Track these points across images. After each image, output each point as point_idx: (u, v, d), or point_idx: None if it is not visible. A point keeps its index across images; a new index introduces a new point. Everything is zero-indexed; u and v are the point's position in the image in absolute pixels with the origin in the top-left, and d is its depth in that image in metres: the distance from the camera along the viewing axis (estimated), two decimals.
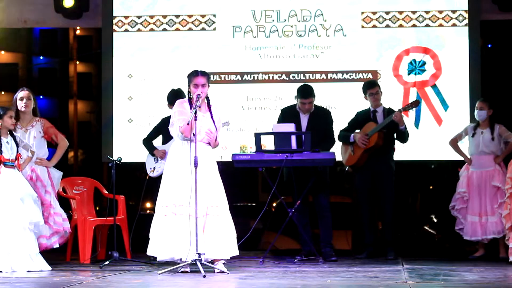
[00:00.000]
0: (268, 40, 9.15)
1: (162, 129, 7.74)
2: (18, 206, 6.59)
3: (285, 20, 9.14)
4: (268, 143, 7.68)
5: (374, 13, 9.07)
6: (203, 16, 9.22)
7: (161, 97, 8.52)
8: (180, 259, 6.23)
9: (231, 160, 7.44)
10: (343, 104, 8.93)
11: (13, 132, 6.90)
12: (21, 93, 7.46)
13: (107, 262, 7.04)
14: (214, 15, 9.20)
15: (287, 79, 9.09)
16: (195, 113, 6.22)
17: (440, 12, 9.01)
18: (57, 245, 7.43)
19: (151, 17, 9.25)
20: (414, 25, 9.03)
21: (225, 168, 7.49)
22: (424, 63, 8.98)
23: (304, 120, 7.78)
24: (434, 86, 8.97)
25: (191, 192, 6.17)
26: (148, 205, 16.77)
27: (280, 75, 9.12)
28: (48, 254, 7.15)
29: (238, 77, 9.15)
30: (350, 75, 9.04)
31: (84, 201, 8.05)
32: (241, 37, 9.17)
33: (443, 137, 8.77)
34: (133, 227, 7.84)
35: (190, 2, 9.23)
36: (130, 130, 9.13)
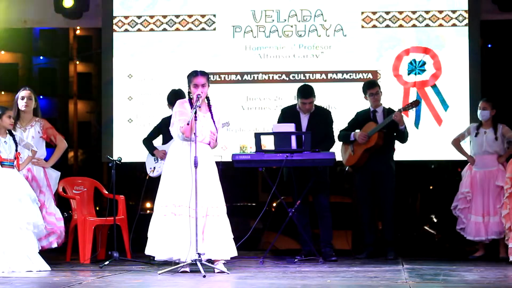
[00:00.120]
0: (268, 40, 9.15)
1: (163, 129, 7.74)
2: (15, 206, 6.57)
3: (285, 20, 9.14)
4: (268, 143, 7.68)
5: (374, 13, 9.07)
6: (203, 16, 9.22)
7: (161, 97, 8.52)
8: (179, 259, 6.22)
9: (231, 160, 7.44)
10: (343, 104, 8.93)
11: (13, 132, 6.89)
12: (23, 92, 7.48)
13: (107, 262, 7.04)
14: (214, 15, 9.20)
15: (287, 79, 9.09)
16: (195, 113, 6.23)
17: (440, 12, 9.01)
18: (55, 245, 7.43)
19: (151, 17, 9.25)
20: (414, 25, 9.03)
21: (225, 168, 7.49)
22: (424, 63, 8.98)
23: (304, 120, 7.78)
24: (434, 86, 8.96)
25: (191, 193, 6.17)
26: (148, 205, 16.77)
27: (280, 75, 9.12)
28: (48, 254, 7.15)
29: (238, 77, 9.15)
30: (350, 75, 9.04)
31: (84, 201, 8.05)
32: (241, 37, 9.17)
33: (443, 137, 8.78)
34: (133, 227, 7.84)
35: (190, 2, 9.23)
36: (130, 130, 9.13)
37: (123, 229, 7.87)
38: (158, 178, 6.71)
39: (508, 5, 8.96)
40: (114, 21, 9.26)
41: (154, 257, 6.41)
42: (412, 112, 8.85)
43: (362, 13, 9.08)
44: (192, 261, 6.10)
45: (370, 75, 8.99)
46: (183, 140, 6.39)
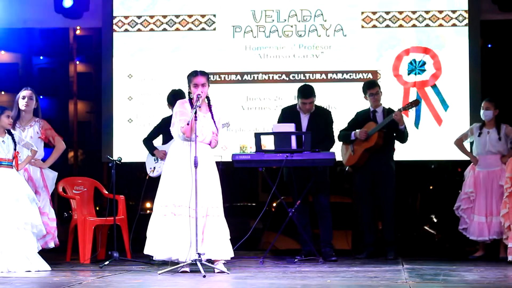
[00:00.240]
0: (268, 40, 9.15)
1: (163, 128, 7.74)
2: (12, 206, 6.55)
3: (285, 20, 9.14)
4: (268, 143, 7.68)
5: (374, 13, 9.07)
6: (203, 16, 9.22)
7: (161, 97, 8.52)
8: (177, 259, 6.22)
9: (231, 160, 7.44)
10: (343, 104, 8.93)
11: (12, 131, 6.88)
12: (24, 92, 7.50)
13: (107, 262, 7.04)
14: (214, 15, 9.21)
15: (287, 79, 9.09)
16: (195, 113, 6.23)
17: (440, 12, 9.01)
18: (52, 245, 7.42)
19: (151, 17, 9.25)
20: (414, 25, 9.03)
21: (225, 168, 7.49)
22: (424, 63, 8.98)
23: (304, 120, 7.78)
24: (434, 86, 8.97)
25: (191, 193, 6.17)
26: (148, 205, 16.74)
27: (280, 75, 9.12)
28: (48, 254, 7.15)
29: (238, 77, 9.15)
30: (350, 75, 9.05)
31: (84, 201, 8.05)
32: (241, 37, 9.18)
33: (443, 137, 8.78)
34: (133, 227, 7.84)
35: (190, 2, 9.23)
36: (130, 130, 9.14)
37: (123, 229, 7.87)
38: (158, 178, 6.71)
39: (508, 5, 8.96)
40: (114, 21, 9.27)
41: (153, 256, 6.41)
42: (412, 112, 8.85)
43: (362, 13, 9.08)
44: (192, 261, 6.10)
45: (370, 75, 8.99)
46: (184, 140, 6.39)
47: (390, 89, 8.81)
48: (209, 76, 6.57)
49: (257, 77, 9.14)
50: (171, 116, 6.76)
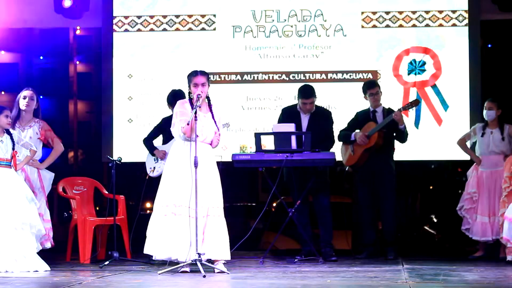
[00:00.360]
0: (268, 40, 9.15)
1: (163, 128, 7.74)
2: (10, 206, 6.54)
3: (285, 20, 9.14)
4: (268, 143, 7.68)
5: (374, 13, 9.07)
6: (203, 16, 9.22)
7: (161, 97, 8.52)
8: (177, 259, 6.22)
9: (231, 160, 7.44)
10: (343, 104, 8.93)
11: (10, 131, 6.87)
12: (25, 92, 7.51)
13: (107, 262, 7.04)
14: (214, 15, 9.21)
15: (287, 79, 9.09)
16: (195, 113, 6.23)
17: (440, 12, 9.01)
18: (48, 245, 7.41)
19: (151, 17, 9.25)
20: (414, 25, 9.03)
21: (225, 168, 7.49)
22: (424, 63, 8.98)
23: (304, 120, 7.78)
24: (434, 86, 8.96)
25: (191, 193, 6.17)
26: (148, 205, 16.71)
27: (280, 75, 9.12)
28: (48, 254, 7.15)
29: (238, 77, 9.15)
30: (350, 75, 9.05)
31: (84, 201, 8.05)
32: (241, 37, 9.18)
33: (443, 137, 8.78)
34: (133, 227, 7.84)
35: (190, 2, 9.23)
36: (130, 130, 9.14)
37: (123, 229, 7.87)
38: (158, 178, 6.71)
39: (508, 5, 8.96)
40: (114, 21, 9.27)
41: (152, 256, 6.41)
42: (412, 112, 8.85)
43: (362, 13, 9.08)
44: (192, 261, 6.10)
45: (370, 75, 8.99)
46: (185, 140, 6.39)
47: (390, 89, 8.81)
48: (209, 76, 6.58)
49: (257, 77, 9.14)
50: (171, 116, 6.76)
